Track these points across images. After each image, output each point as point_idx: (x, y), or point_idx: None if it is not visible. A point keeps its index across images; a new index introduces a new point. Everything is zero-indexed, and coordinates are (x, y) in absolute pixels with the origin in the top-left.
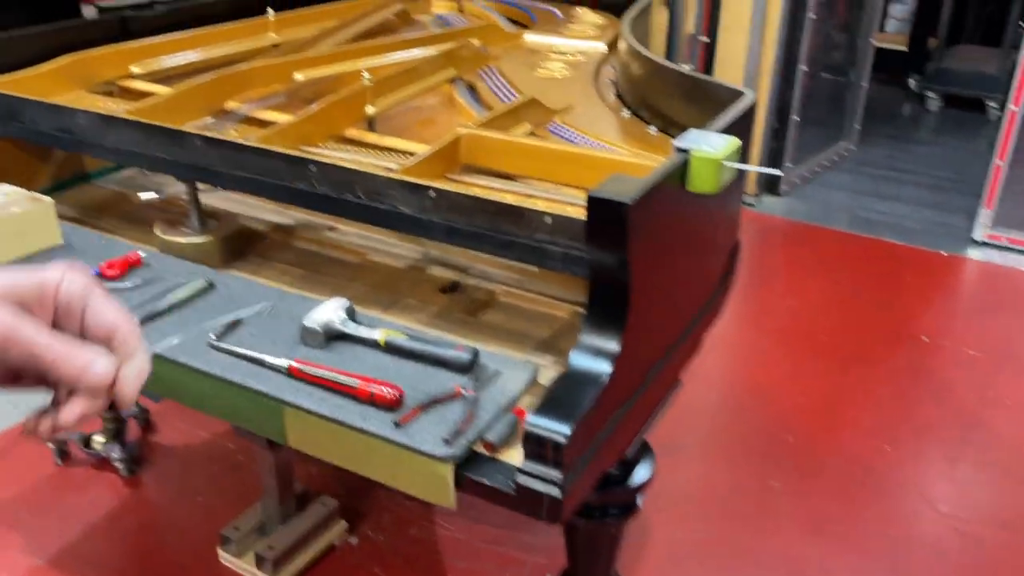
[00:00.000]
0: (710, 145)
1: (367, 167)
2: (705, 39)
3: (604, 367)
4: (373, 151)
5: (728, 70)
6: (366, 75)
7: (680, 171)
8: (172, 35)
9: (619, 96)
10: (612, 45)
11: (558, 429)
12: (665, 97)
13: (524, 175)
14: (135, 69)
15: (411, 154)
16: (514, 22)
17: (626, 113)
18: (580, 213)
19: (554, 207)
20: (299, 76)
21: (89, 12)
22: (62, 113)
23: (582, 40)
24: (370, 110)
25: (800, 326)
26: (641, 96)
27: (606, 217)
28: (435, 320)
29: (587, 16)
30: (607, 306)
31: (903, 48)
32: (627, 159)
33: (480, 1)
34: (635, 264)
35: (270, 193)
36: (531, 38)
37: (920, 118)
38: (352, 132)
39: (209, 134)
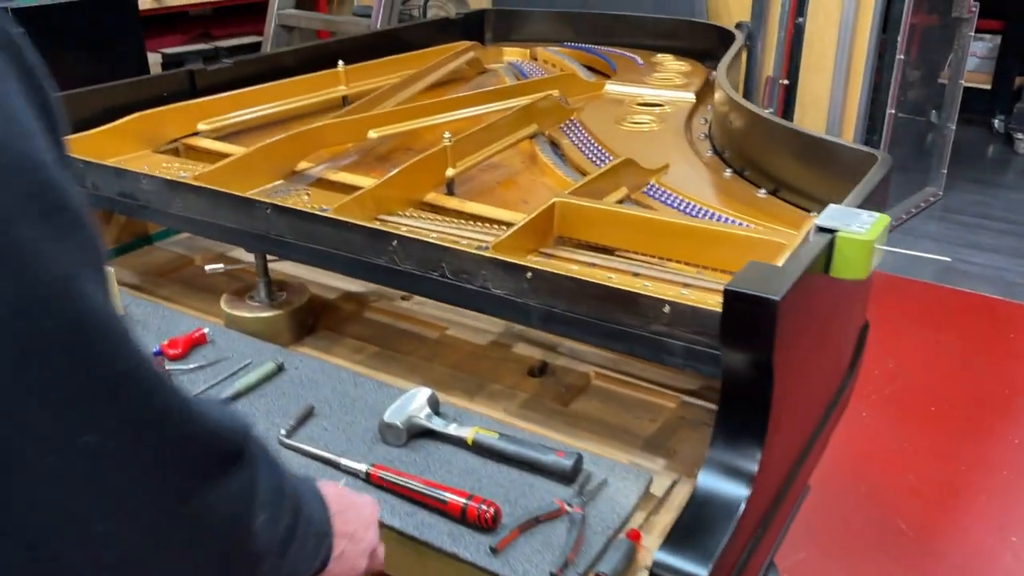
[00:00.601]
0: (858, 224)
1: (453, 241)
2: (785, 82)
3: (741, 491)
4: (456, 219)
5: (810, 114)
6: (447, 135)
7: (825, 255)
8: (240, 90)
9: (717, 152)
10: (700, 94)
11: (694, 572)
12: (776, 156)
13: (627, 249)
14: (203, 127)
15: (497, 222)
16: (591, 70)
17: (728, 172)
18: (703, 301)
19: (669, 291)
20: (373, 134)
21: (154, 59)
22: (125, 177)
23: (668, 90)
24: (450, 172)
25: (902, 392)
26: (745, 154)
27: (748, 315)
28: (524, 410)
29: (669, 63)
30: (743, 416)
31: (986, 87)
32: (747, 233)
33: (553, 48)
34: (779, 367)
35: (347, 268)
36: (613, 88)
37: (1008, 161)
38: (432, 196)
39: (280, 202)
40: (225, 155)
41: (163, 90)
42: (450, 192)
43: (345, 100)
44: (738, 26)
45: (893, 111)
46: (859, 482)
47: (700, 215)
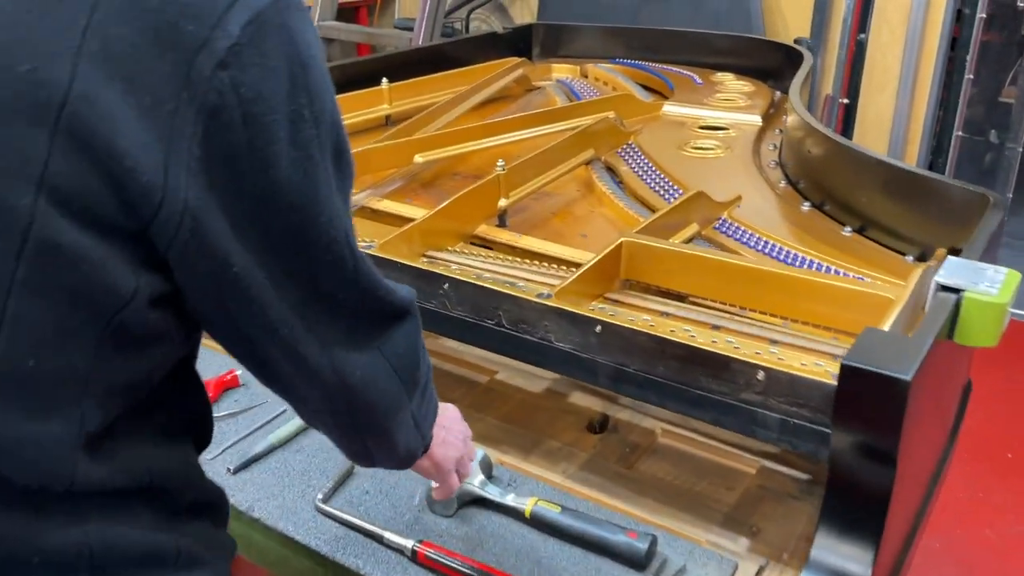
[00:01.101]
0: (986, 282)
1: (508, 282)
2: (845, 101)
3: None
4: (509, 256)
5: (870, 134)
6: (500, 164)
7: (950, 320)
8: None
9: (791, 183)
10: (767, 117)
11: None
12: (863, 191)
13: (703, 296)
14: None
15: (554, 260)
16: (647, 89)
17: (805, 206)
18: (800, 366)
19: (756, 349)
20: (419, 159)
21: None
22: None
23: (732, 112)
24: (503, 203)
25: (978, 437)
26: (825, 186)
27: (870, 395)
28: (585, 472)
29: (731, 82)
30: (856, 511)
31: None
32: (847, 285)
33: (605, 65)
34: (902, 454)
35: None
36: (672, 109)
37: None
38: (483, 228)
39: None
40: None
41: None
42: (502, 224)
43: (388, 119)
44: (797, 42)
45: (961, 132)
46: (933, 536)
47: (779, 255)
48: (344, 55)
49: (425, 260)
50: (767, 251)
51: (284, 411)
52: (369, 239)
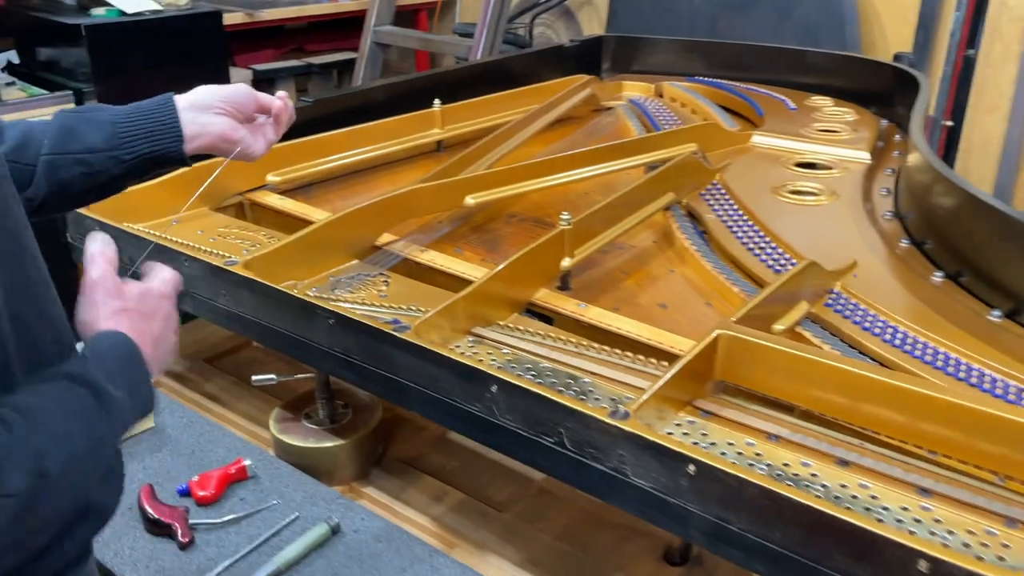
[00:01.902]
0: None
1: (574, 397)
2: (949, 123)
3: None
4: (574, 335)
5: (976, 160)
6: (565, 218)
7: None
8: (317, 136)
9: (915, 242)
10: (875, 152)
11: None
12: (1019, 264)
13: (825, 413)
14: (272, 178)
15: (629, 343)
16: (729, 112)
17: (937, 276)
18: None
19: (902, 501)
20: (471, 200)
21: (244, 75)
22: (164, 254)
23: (835, 146)
24: (566, 263)
25: None
26: (962, 252)
27: None
28: None
29: (829, 108)
30: None
31: None
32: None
33: (682, 84)
34: None
35: (429, 411)
36: (762, 140)
37: None
38: (542, 294)
39: (351, 298)
40: (295, 217)
41: None
42: (564, 287)
43: (440, 145)
44: (897, 57)
45: None
46: None
47: (905, 344)
48: (401, 60)
49: (470, 341)
50: (893, 340)
51: (296, 517)
52: (407, 307)
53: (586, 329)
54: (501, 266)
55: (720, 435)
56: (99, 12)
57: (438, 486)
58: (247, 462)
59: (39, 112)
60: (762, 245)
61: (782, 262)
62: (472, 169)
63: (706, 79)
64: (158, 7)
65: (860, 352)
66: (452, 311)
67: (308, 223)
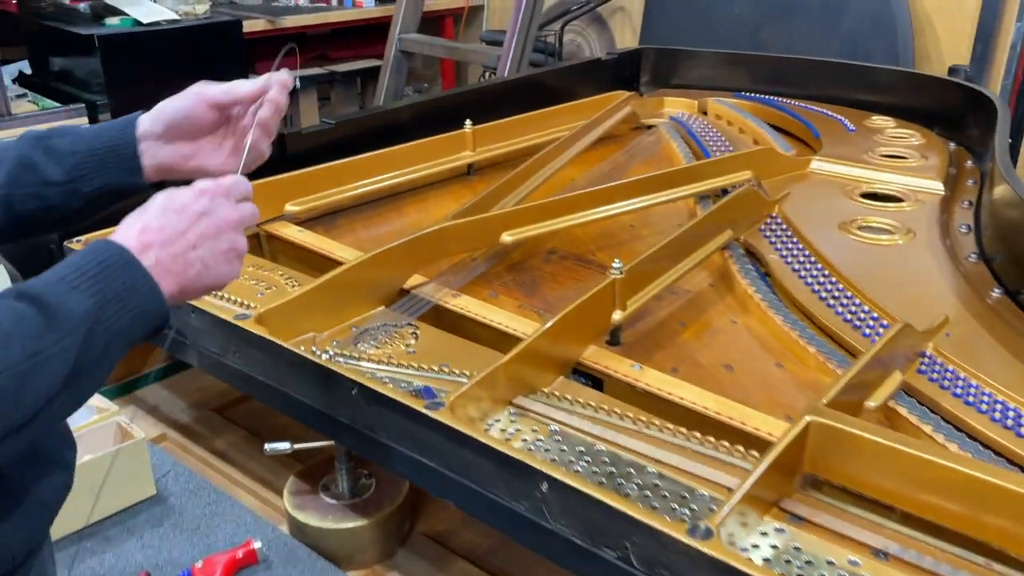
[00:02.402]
0: None
1: (644, 507)
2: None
3: None
4: (630, 407)
5: None
6: (616, 266)
7: None
8: (340, 161)
9: (1008, 292)
10: (947, 181)
11: None
12: None
13: (941, 521)
14: (291, 208)
15: (693, 416)
16: (781, 131)
17: None
18: None
19: None
20: (508, 238)
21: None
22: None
23: (905, 175)
24: (618, 317)
25: None
26: None
27: None
28: None
29: (890, 129)
30: None
31: None
32: None
33: (728, 100)
34: None
35: (468, 505)
36: (823, 167)
37: None
38: (591, 352)
39: (372, 380)
40: (316, 253)
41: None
42: (614, 342)
43: (471, 169)
44: (953, 71)
45: None
46: None
47: (1012, 421)
48: (426, 67)
49: (511, 414)
50: (1004, 419)
51: None
52: (438, 368)
53: (642, 396)
54: (547, 325)
55: (816, 549)
56: (113, 22)
57: (471, 571)
58: (257, 544)
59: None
60: (836, 294)
61: (861, 316)
62: (507, 201)
63: (753, 95)
64: (175, 16)
65: (967, 435)
66: (492, 380)
67: (329, 260)
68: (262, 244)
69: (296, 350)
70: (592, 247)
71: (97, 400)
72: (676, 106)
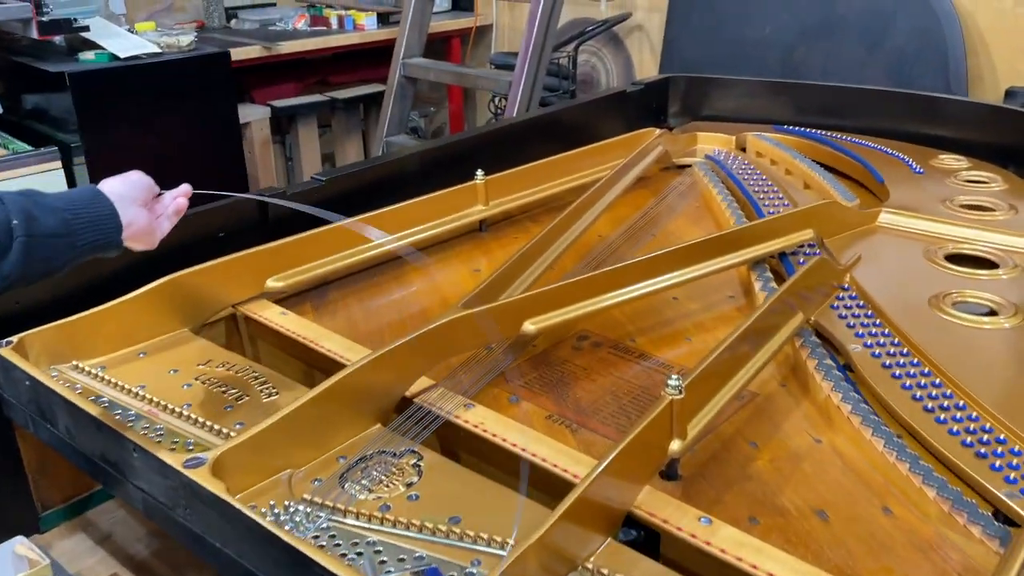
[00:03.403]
0: None
1: None
2: None
3: None
4: None
5: None
6: (673, 383)
7: None
8: (331, 225)
9: None
10: None
11: None
12: None
13: None
14: (273, 284)
15: None
16: (830, 170)
17: None
18: None
19: None
20: (531, 327)
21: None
22: (106, 436)
23: (993, 231)
24: (676, 447)
25: None
26: None
27: None
28: None
29: (965, 172)
30: None
31: None
32: None
33: (771, 136)
34: None
35: None
36: (893, 220)
37: None
38: (644, 496)
39: (354, 554)
40: (303, 344)
41: (220, 226)
42: (671, 475)
43: (483, 225)
44: (1010, 94)
45: None
46: None
47: None
48: (432, 90)
49: None
50: None
51: None
52: (447, 529)
53: (715, 564)
54: (591, 477)
55: None
56: (88, 57)
57: None
58: None
59: (22, 172)
60: (944, 403)
61: (983, 436)
62: (529, 274)
63: (795, 128)
64: (156, 49)
65: None
66: (524, 563)
67: (314, 352)
68: (239, 328)
69: (261, 520)
70: (631, 329)
71: (27, 550)
72: (711, 142)
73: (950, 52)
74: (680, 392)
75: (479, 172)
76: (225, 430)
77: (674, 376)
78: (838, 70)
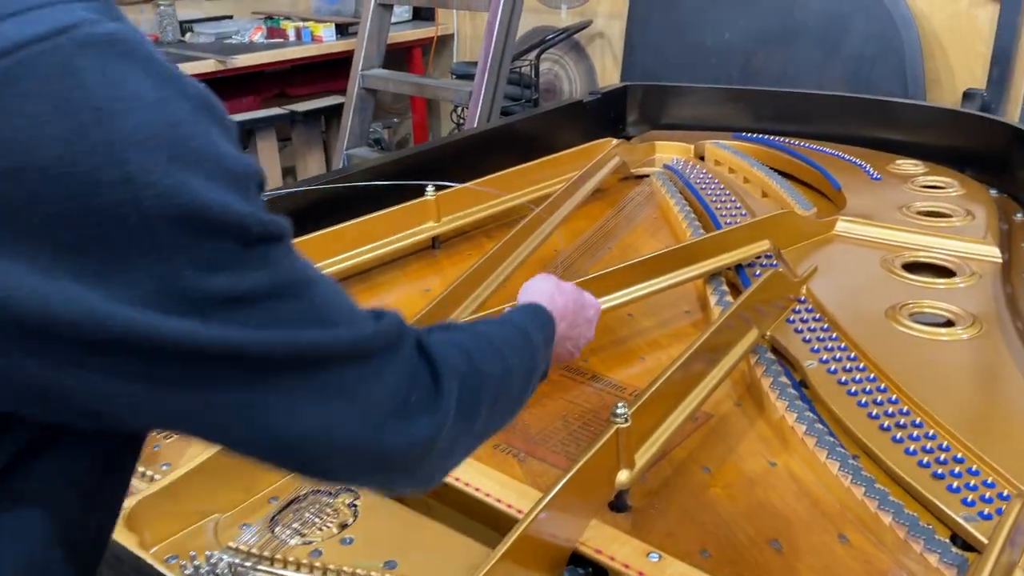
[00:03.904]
0: None
1: None
2: None
3: None
4: None
5: None
6: (619, 412)
7: None
8: None
9: None
10: (1002, 244)
11: None
12: None
13: None
14: None
15: None
16: (786, 176)
17: None
18: None
19: None
20: None
21: None
22: None
23: (951, 238)
24: (624, 478)
25: None
26: None
27: None
28: None
29: (923, 177)
30: None
31: None
32: None
33: (729, 143)
34: None
35: None
36: (850, 229)
37: None
38: (590, 532)
39: None
40: None
41: None
42: (620, 507)
43: (436, 242)
44: (968, 95)
45: None
46: None
47: None
48: (395, 100)
49: None
50: None
51: None
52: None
53: None
54: (532, 514)
55: None
56: None
57: None
58: None
59: None
60: (900, 420)
61: (940, 456)
62: (480, 292)
63: (755, 135)
64: None
65: None
66: None
67: None
68: None
69: (170, 574)
70: (583, 350)
71: None
72: (669, 151)
73: (907, 55)
74: (627, 420)
75: (429, 187)
76: (150, 472)
77: (620, 404)
78: (797, 75)
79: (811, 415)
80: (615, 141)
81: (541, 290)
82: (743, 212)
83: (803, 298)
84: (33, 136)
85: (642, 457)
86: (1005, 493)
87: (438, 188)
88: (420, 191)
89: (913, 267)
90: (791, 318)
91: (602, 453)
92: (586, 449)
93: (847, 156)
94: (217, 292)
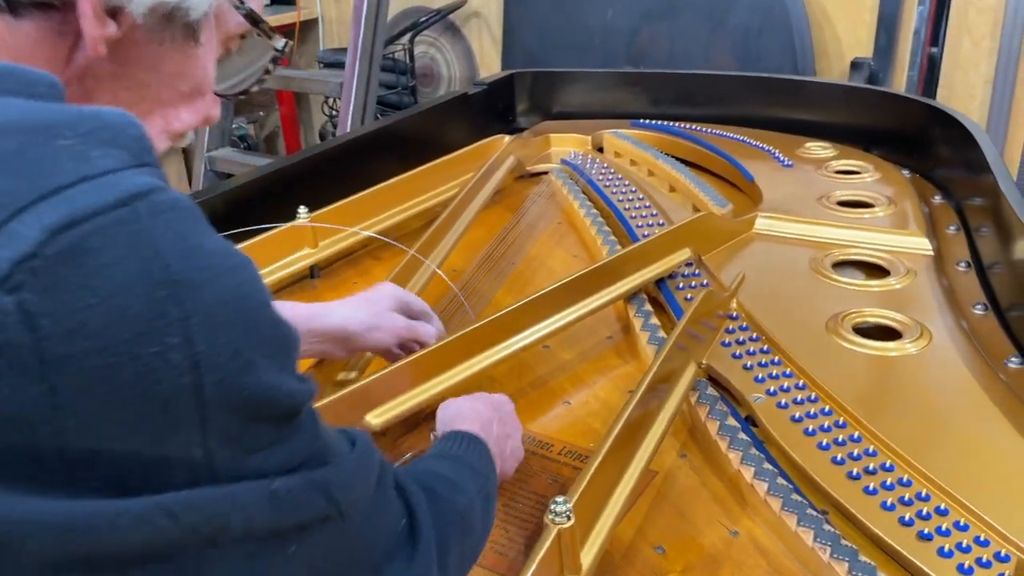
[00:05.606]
0: None
1: None
2: None
3: None
4: None
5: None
6: (560, 508)
7: None
8: None
9: None
10: (929, 231)
11: None
12: None
13: None
14: None
15: None
16: (691, 165)
17: None
18: None
19: None
20: (374, 421)
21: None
22: None
23: (876, 231)
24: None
25: None
26: None
27: None
28: None
29: (835, 162)
30: None
31: None
32: None
33: (627, 132)
34: None
35: None
36: (770, 226)
37: None
38: None
39: None
40: None
41: None
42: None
43: (314, 271)
44: (856, 64)
45: None
46: None
47: None
48: (259, 92)
49: None
50: None
51: None
52: None
53: None
54: None
55: None
56: None
57: None
58: None
59: None
60: (871, 467)
61: (925, 511)
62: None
63: (652, 122)
64: None
65: None
66: None
67: None
68: None
69: None
70: (496, 388)
71: None
72: (566, 144)
73: (794, 26)
74: (569, 518)
75: (302, 209)
76: None
77: (559, 499)
78: (684, 51)
79: (770, 467)
80: (508, 138)
81: (455, 411)
82: (653, 212)
83: (735, 313)
84: (106, 316)
85: (588, 554)
86: (1003, 554)
87: (311, 209)
88: (291, 212)
89: (844, 265)
90: (726, 340)
91: (543, 565)
92: (527, 563)
93: (753, 141)
94: (251, 471)
